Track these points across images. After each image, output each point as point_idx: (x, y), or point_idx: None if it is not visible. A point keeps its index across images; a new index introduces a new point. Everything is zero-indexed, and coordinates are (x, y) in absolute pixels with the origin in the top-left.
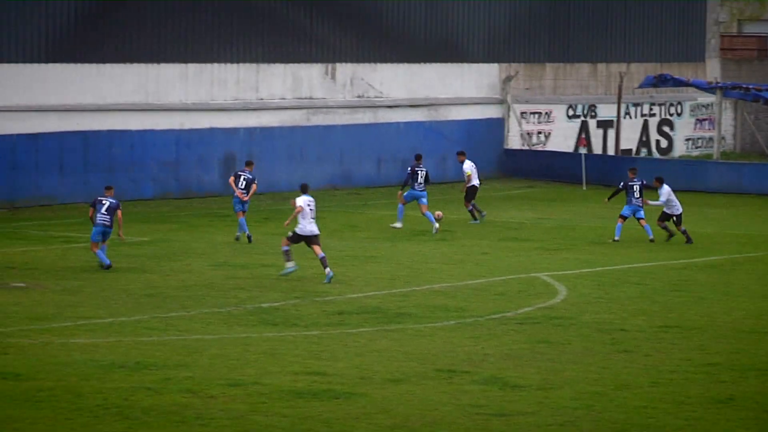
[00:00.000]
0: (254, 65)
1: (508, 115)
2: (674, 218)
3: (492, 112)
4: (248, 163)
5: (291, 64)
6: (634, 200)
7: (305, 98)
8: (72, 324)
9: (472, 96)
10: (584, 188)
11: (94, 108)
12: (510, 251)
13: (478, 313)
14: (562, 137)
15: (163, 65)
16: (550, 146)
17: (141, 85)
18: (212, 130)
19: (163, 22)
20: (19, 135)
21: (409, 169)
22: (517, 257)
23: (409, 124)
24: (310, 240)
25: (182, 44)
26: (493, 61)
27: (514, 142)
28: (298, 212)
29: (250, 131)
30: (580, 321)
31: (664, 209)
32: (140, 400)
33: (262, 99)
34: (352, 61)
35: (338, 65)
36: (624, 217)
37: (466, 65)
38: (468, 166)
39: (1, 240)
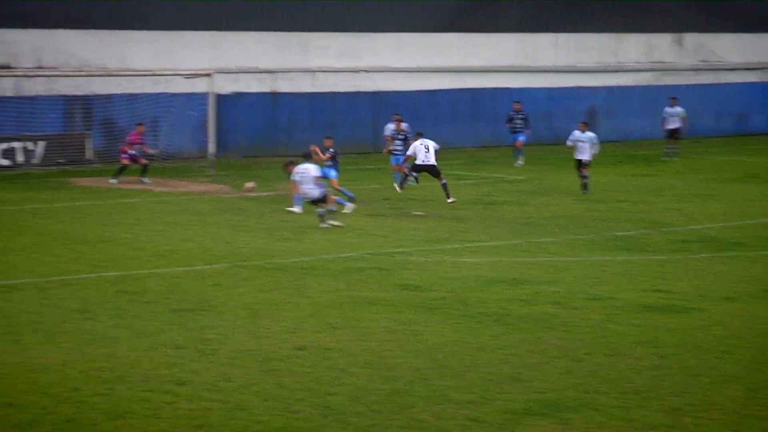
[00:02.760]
0: (614, 35)
1: None
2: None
3: None
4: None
5: (644, 34)
6: None
7: (656, 62)
8: (460, 246)
9: None
10: None
11: (481, 69)
12: None
13: None
14: None
15: (538, 34)
16: None
17: (520, 51)
18: (578, 89)
19: None
20: (419, 91)
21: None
22: None
23: (744, 85)
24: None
25: (554, 17)
26: None
27: None
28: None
29: (609, 89)
30: None
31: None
32: (515, 309)
33: (620, 62)
34: (697, 31)
35: (685, 35)
36: None
37: None
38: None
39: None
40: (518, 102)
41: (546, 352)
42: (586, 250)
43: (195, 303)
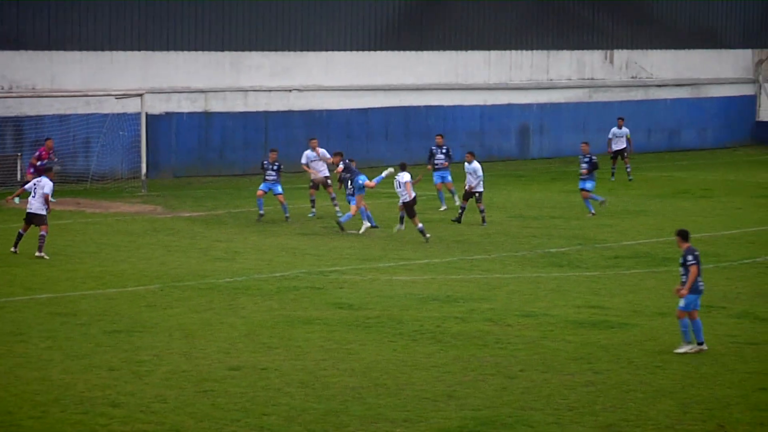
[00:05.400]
0: (545, 52)
1: (760, 93)
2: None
3: (745, 90)
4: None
5: (576, 51)
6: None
7: (587, 79)
8: (394, 264)
9: (729, 77)
10: None
11: (413, 87)
12: (761, 207)
13: (732, 258)
14: None
15: (470, 52)
16: None
17: (452, 69)
18: (510, 106)
19: (471, 17)
20: (351, 110)
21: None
22: (767, 212)
23: (674, 101)
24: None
25: (486, 35)
26: (746, 47)
27: (764, 114)
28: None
29: (541, 106)
30: None
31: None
32: (450, 327)
33: (551, 80)
34: (627, 48)
35: (615, 51)
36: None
37: (723, 51)
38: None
39: (340, 197)
40: (440, 135)
41: (481, 369)
42: (520, 266)
43: (128, 324)
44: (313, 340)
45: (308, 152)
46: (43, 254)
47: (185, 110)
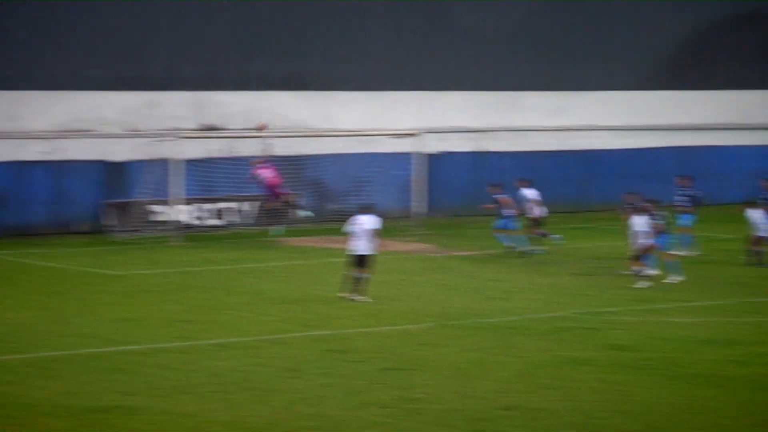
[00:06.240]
0: None
1: None
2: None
3: None
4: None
5: None
6: None
7: None
8: (671, 306)
9: None
10: None
11: (691, 127)
12: None
13: None
14: None
15: (751, 91)
16: None
17: (732, 108)
18: None
19: (752, 54)
20: (628, 150)
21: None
22: None
23: None
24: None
25: (765, 73)
26: None
27: None
28: None
29: None
30: None
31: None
32: (728, 370)
33: None
34: None
35: None
36: None
37: None
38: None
39: (611, 235)
40: (681, 176)
41: (761, 414)
42: None
43: (401, 362)
44: (587, 381)
45: (524, 192)
46: (365, 297)
47: (460, 150)
